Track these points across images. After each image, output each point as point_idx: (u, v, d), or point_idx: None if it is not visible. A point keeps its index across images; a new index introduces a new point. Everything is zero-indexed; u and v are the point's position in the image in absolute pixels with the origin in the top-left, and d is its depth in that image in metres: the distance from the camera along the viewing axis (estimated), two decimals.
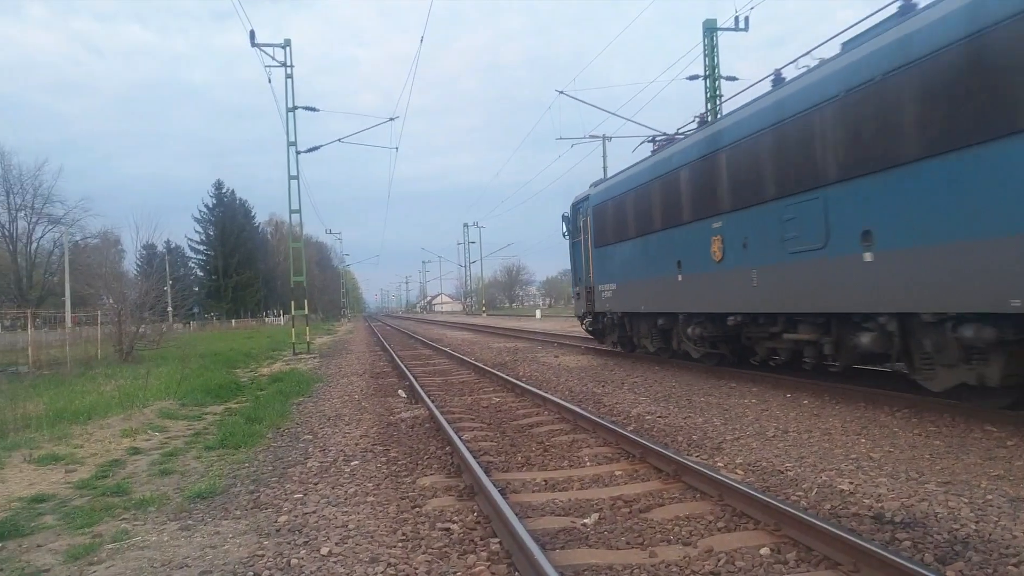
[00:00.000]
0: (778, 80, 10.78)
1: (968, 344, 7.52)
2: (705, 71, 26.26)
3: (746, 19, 25.47)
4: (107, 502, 6.37)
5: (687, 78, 26.68)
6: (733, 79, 26.92)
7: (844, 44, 9.24)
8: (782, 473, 6.28)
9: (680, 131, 14.64)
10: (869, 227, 8.53)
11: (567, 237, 21.06)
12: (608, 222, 17.11)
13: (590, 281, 18.71)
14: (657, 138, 15.82)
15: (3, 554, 5.12)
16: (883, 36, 8.31)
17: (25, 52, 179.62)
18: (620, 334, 17.74)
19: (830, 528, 4.35)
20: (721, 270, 11.92)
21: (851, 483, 5.81)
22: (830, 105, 9.00)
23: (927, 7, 7.86)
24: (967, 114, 7.07)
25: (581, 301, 19.78)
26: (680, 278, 13.42)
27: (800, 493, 5.66)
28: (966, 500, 5.22)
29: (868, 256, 8.57)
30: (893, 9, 8.51)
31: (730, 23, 25.68)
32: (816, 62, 9.95)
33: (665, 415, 9.37)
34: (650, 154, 15.41)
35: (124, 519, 5.88)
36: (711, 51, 26.16)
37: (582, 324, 20.98)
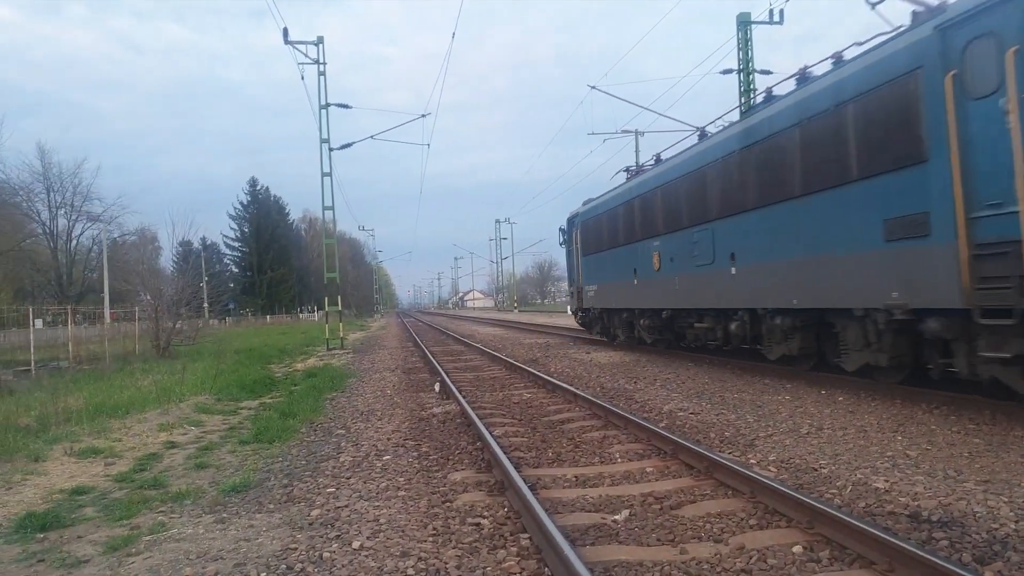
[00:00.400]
0: (703, 135, 14.56)
1: (781, 328, 11.38)
2: (739, 65, 25.88)
3: (780, 12, 25.13)
4: (145, 495, 6.50)
5: (721, 72, 26.40)
6: (767, 73, 26.46)
7: (743, 113, 12.51)
8: (816, 471, 6.21)
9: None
10: (734, 250, 12.39)
11: (563, 246, 24.88)
12: (591, 235, 21.16)
13: (580, 283, 22.68)
14: (630, 168, 19.55)
15: (45, 544, 5.26)
16: (737, 125, 12.38)
17: (65, 50, 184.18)
18: (601, 326, 21.92)
19: (864, 526, 4.28)
20: (659, 277, 15.86)
21: (887, 481, 5.72)
22: (716, 163, 12.92)
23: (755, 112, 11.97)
24: (764, 188, 11.24)
25: (574, 299, 24.00)
26: (636, 282, 17.35)
27: (834, 491, 5.59)
28: (1006, 499, 5.10)
29: (733, 270, 12.39)
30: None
31: (764, 16, 25.35)
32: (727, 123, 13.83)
33: (698, 412, 9.31)
34: (624, 180, 19.06)
35: (161, 512, 5.99)
36: (745, 45, 25.76)
37: (575, 318, 25.36)
